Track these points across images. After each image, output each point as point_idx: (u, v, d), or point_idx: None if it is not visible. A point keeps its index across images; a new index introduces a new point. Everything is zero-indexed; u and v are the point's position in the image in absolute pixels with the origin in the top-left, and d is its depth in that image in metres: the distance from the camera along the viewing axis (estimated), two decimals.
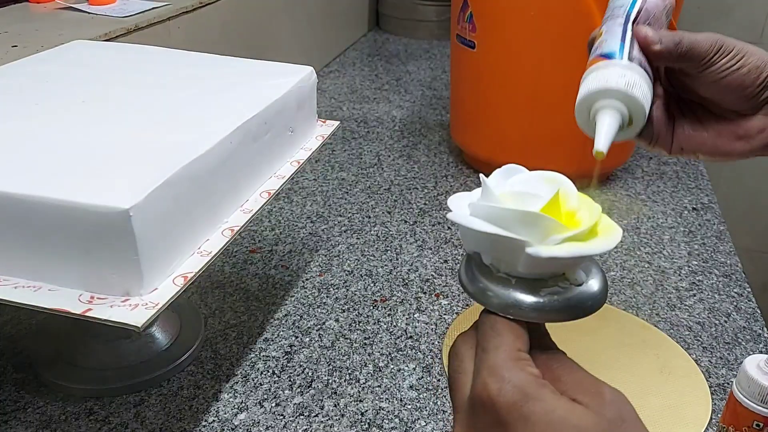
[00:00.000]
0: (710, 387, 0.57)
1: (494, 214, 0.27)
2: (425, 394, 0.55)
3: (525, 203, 0.27)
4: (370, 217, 0.81)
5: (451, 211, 0.29)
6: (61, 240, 0.38)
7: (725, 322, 0.66)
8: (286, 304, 0.66)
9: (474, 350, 0.29)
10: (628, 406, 0.27)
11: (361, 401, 0.55)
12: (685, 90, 0.44)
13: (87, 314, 0.37)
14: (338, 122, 0.65)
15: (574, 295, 0.28)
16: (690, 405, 0.55)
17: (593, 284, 0.29)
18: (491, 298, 0.28)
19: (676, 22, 0.78)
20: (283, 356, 0.59)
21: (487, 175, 0.30)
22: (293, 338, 0.61)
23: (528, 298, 0.28)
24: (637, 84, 0.39)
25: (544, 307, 0.28)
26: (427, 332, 0.62)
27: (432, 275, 0.71)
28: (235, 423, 0.52)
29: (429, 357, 0.59)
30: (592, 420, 0.25)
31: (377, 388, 0.56)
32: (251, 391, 0.55)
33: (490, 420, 0.26)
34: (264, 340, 0.61)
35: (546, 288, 0.28)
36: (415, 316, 0.65)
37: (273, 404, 0.54)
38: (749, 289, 0.71)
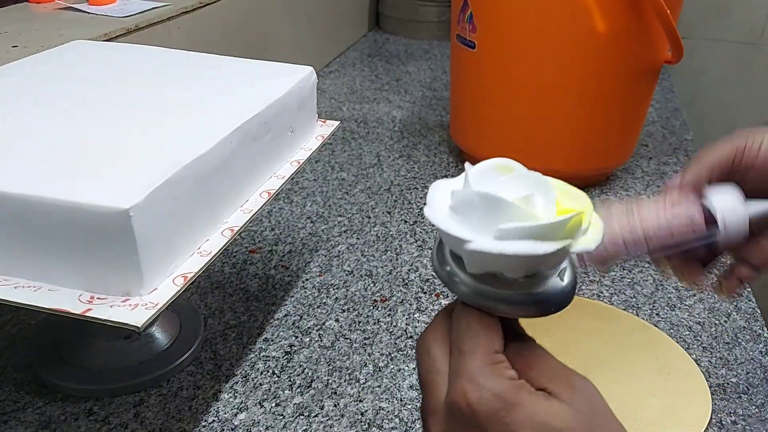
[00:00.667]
0: (710, 387, 0.57)
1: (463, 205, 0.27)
2: None
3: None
4: (370, 218, 0.82)
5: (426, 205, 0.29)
6: (60, 240, 0.38)
7: (725, 321, 0.66)
8: (286, 305, 0.66)
9: (447, 348, 0.28)
10: (597, 395, 0.28)
11: (361, 401, 0.55)
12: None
13: (87, 314, 0.37)
14: (338, 122, 0.65)
15: (543, 291, 0.28)
16: (690, 405, 0.55)
17: (562, 280, 0.28)
18: (459, 286, 0.28)
19: (676, 23, 0.78)
20: (283, 356, 0.59)
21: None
22: (293, 338, 0.61)
23: (494, 291, 0.27)
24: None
25: (511, 300, 0.27)
26: None
27: (432, 275, 0.71)
28: (235, 423, 0.52)
29: None
30: (570, 417, 0.26)
31: (377, 388, 0.56)
32: (251, 392, 0.55)
33: (467, 426, 0.26)
34: (264, 341, 0.61)
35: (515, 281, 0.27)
36: (415, 316, 0.65)
37: (273, 404, 0.54)
38: (749, 289, 0.71)
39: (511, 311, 0.28)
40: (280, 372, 0.57)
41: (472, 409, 0.26)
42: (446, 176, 0.93)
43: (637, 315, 0.66)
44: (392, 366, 0.58)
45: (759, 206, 0.41)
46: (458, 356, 0.27)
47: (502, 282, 0.27)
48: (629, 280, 0.72)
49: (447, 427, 0.27)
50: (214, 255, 0.43)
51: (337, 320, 0.64)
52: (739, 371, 0.59)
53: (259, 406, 0.54)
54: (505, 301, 0.27)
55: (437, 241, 0.30)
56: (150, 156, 0.43)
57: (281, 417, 0.53)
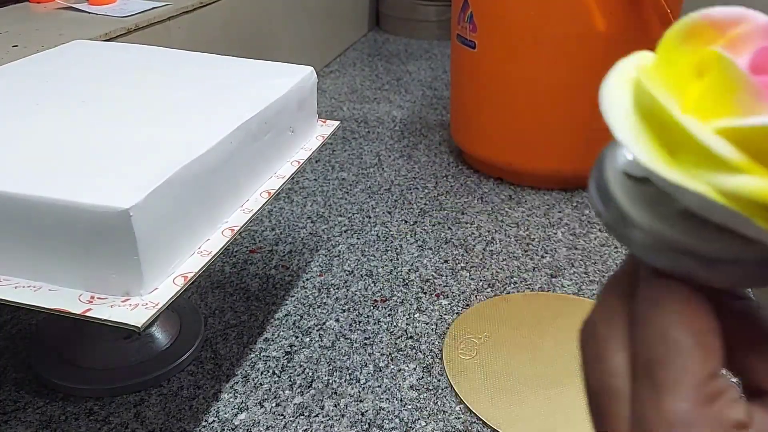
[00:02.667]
0: None
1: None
2: (425, 394, 0.55)
3: None
4: (370, 217, 0.81)
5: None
6: (61, 240, 0.38)
7: None
8: (286, 304, 0.66)
9: (627, 352, 0.18)
10: None
11: (361, 401, 0.54)
12: None
13: (87, 314, 0.37)
14: (338, 122, 0.65)
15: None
16: None
17: None
18: (647, 240, 0.17)
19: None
20: (284, 356, 0.59)
21: None
22: (293, 338, 0.61)
23: (707, 244, 0.17)
24: None
25: (738, 260, 0.17)
26: (428, 332, 0.62)
27: (432, 275, 0.71)
28: (236, 423, 0.52)
29: (429, 357, 0.59)
30: None
31: (377, 388, 0.56)
32: (251, 391, 0.55)
33: None
34: (264, 340, 0.61)
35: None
36: (416, 316, 0.65)
37: (273, 404, 0.54)
38: (748, 289, 0.71)
39: (737, 277, 0.17)
40: (281, 372, 0.57)
41: None
42: (446, 176, 0.93)
43: None
44: (392, 366, 0.58)
45: None
46: (649, 384, 0.17)
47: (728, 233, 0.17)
48: None
49: None
50: (215, 255, 0.43)
51: (337, 320, 0.64)
52: None
53: (259, 406, 0.54)
54: (749, 262, 0.17)
55: (596, 170, 0.19)
56: (150, 156, 0.43)
57: (281, 417, 0.53)
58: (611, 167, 0.19)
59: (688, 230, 0.17)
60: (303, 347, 0.60)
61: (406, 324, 0.63)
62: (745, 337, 0.18)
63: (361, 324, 0.63)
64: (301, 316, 0.64)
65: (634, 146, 0.17)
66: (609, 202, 0.18)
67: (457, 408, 0.54)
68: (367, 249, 0.75)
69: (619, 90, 0.19)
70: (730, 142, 0.16)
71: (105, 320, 0.37)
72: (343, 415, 0.53)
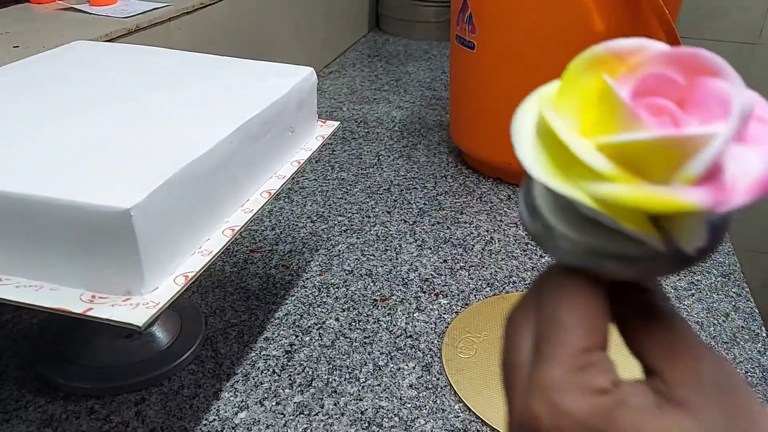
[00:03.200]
0: None
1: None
2: (425, 393, 0.56)
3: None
4: (370, 217, 0.82)
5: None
6: (62, 240, 0.39)
7: (724, 321, 0.66)
8: (286, 304, 0.66)
9: (534, 333, 0.21)
10: (747, 395, 0.20)
11: (361, 400, 0.55)
12: None
13: (88, 314, 0.37)
14: (338, 122, 0.65)
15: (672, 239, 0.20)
16: None
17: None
18: (560, 242, 0.21)
19: (675, 23, 0.78)
20: (284, 355, 0.59)
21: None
22: (293, 337, 0.61)
23: (614, 244, 0.20)
24: None
25: (634, 257, 0.20)
26: (427, 331, 0.63)
27: (432, 275, 0.71)
28: (236, 422, 0.52)
29: (428, 356, 0.60)
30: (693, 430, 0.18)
31: (377, 387, 0.56)
32: (252, 390, 0.55)
33: None
34: (264, 339, 0.61)
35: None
36: (415, 315, 0.65)
37: (273, 403, 0.54)
38: (747, 289, 0.71)
39: (635, 271, 0.20)
40: (281, 371, 0.58)
41: None
42: (446, 176, 0.94)
43: None
44: (392, 365, 0.59)
45: None
46: (536, 358, 0.20)
47: (620, 234, 0.20)
48: None
49: None
50: (215, 254, 0.44)
51: (337, 319, 0.64)
52: (738, 371, 0.60)
53: (259, 405, 0.54)
54: (622, 258, 0.20)
55: (524, 187, 0.23)
56: (151, 156, 0.43)
57: (282, 416, 0.53)
58: (538, 183, 0.22)
59: (592, 233, 0.20)
60: (303, 346, 0.60)
61: (406, 323, 0.64)
62: (643, 324, 0.21)
63: (360, 323, 0.64)
64: (301, 315, 0.64)
65: (528, 162, 0.21)
66: (535, 214, 0.22)
67: (456, 406, 0.54)
68: (366, 248, 0.75)
69: (528, 114, 0.22)
70: (607, 156, 0.19)
71: (106, 319, 0.37)
72: (342, 414, 0.53)
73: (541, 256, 0.74)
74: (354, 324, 0.63)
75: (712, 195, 0.18)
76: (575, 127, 0.20)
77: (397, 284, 0.69)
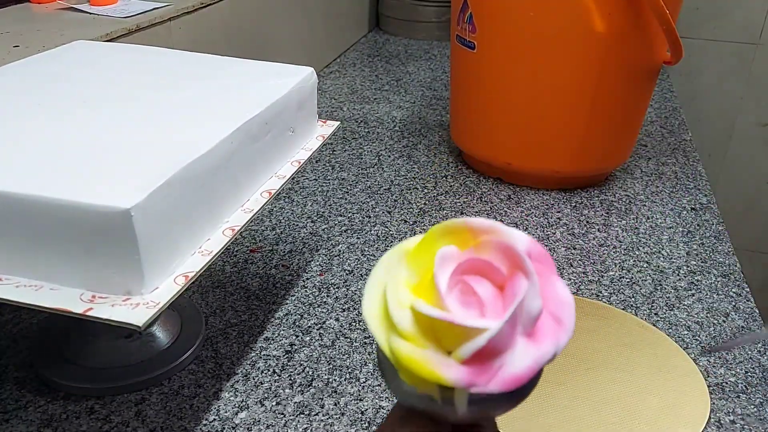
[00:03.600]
0: (708, 386, 0.57)
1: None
2: None
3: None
4: (370, 217, 0.82)
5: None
6: (62, 240, 0.39)
7: (724, 321, 0.66)
8: (286, 304, 0.66)
9: None
10: None
11: (361, 400, 0.55)
12: None
13: (88, 314, 0.37)
14: (338, 122, 0.65)
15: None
16: (688, 404, 0.55)
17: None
18: (401, 386, 0.24)
19: (675, 23, 0.78)
20: (284, 355, 0.59)
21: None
22: (294, 337, 0.61)
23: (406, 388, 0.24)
24: None
25: (449, 401, 0.23)
26: None
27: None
28: (236, 422, 0.52)
29: None
30: None
31: (377, 387, 0.56)
32: (252, 390, 0.55)
33: None
34: (264, 339, 0.61)
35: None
36: None
37: (273, 403, 0.54)
38: (748, 289, 0.71)
39: (460, 415, 0.24)
40: (281, 371, 0.58)
41: None
42: (446, 176, 0.94)
43: (636, 315, 0.66)
44: None
45: None
46: None
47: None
48: (628, 280, 0.72)
49: None
50: (215, 254, 0.44)
51: (337, 319, 0.64)
52: (738, 370, 0.60)
53: (259, 405, 0.54)
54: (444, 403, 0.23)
55: (378, 350, 0.26)
56: (151, 156, 0.43)
57: (282, 416, 0.53)
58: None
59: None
60: (303, 346, 0.60)
61: None
62: None
63: (361, 323, 0.64)
64: (302, 315, 0.64)
65: (366, 309, 0.24)
66: (384, 372, 0.25)
67: None
68: (367, 248, 0.75)
69: (381, 270, 0.25)
70: (415, 318, 0.23)
71: (106, 319, 0.37)
72: (343, 414, 0.53)
73: None
74: (354, 324, 0.63)
75: (470, 377, 0.22)
76: (414, 282, 0.24)
77: None
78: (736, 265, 0.75)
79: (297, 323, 0.63)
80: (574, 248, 0.77)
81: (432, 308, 0.22)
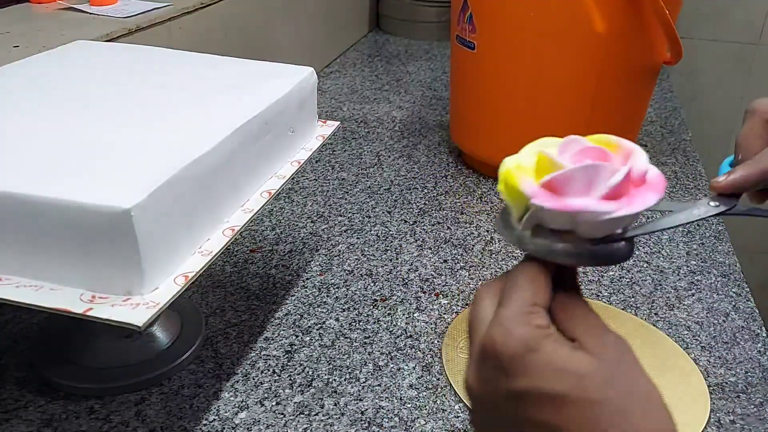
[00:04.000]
0: (708, 386, 0.57)
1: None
2: (425, 393, 0.56)
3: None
4: (370, 217, 0.82)
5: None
6: (62, 240, 0.39)
7: (724, 321, 0.66)
8: (286, 304, 0.66)
9: (497, 299, 0.31)
10: (630, 353, 0.30)
11: (361, 400, 0.55)
12: None
13: (88, 314, 0.37)
14: (338, 122, 0.65)
15: (599, 247, 0.31)
16: (688, 404, 0.55)
17: (623, 238, 0.32)
18: (527, 245, 0.31)
19: (675, 23, 0.78)
20: (284, 355, 0.59)
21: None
22: (294, 337, 0.61)
23: (556, 244, 0.31)
24: None
25: (569, 252, 0.31)
26: (427, 331, 0.63)
27: (432, 275, 0.71)
28: (236, 422, 0.52)
29: (429, 356, 0.60)
30: (591, 365, 0.28)
31: (377, 387, 0.56)
32: (252, 390, 0.55)
33: (493, 367, 0.29)
34: (264, 339, 0.61)
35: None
36: (415, 315, 0.65)
37: (273, 403, 0.54)
38: (748, 289, 0.71)
39: (569, 261, 0.31)
40: (281, 371, 0.58)
41: (497, 351, 0.28)
42: (446, 176, 0.94)
43: (636, 315, 0.66)
44: (392, 365, 0.59)
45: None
46: (499, 306, 0.30)
47: (566, 237, 0.31)
48: (628, 280, 0.72)
49: (477, 367, 0.30)
50: (215, 254, 0.44)
51: (337, 319, 0.64)
52: (738, 371, 0.60)
53: (259, 405, 0.54)
54: (564, 253, 0.31)
55: (502, 212, 0.34)
56: (151, 156, 0.43)
57: (282, 416, 0.53)
58: (513, 209, 0.33)
59: (543, 237, 0.31)
60: (303, 346, 0.60)
61: (406, 323, 0.64)
62: (565, 298, 0.31)
63: (360, 323, 0.64)
64: (301, 315, 0.64)
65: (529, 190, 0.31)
66: (511, 229, 0.33)
67: (456, 406, 0.54)
68: (366, 249, 0.75)
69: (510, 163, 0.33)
70: (537, 160, 0.32)
71: (106, 319, 0.37)
72: (343, 414, 0.53)
73: None
74: (354, 324, 0.63)
75: (536, 192, 0.30)
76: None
77: (398, 284, 0.69)
78: (736, 265, 0.75)
79: (297, 323, 0.63)
80: None
81: (549, 150, 0.31)
